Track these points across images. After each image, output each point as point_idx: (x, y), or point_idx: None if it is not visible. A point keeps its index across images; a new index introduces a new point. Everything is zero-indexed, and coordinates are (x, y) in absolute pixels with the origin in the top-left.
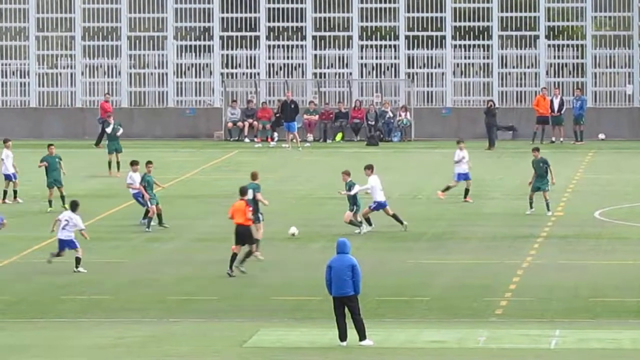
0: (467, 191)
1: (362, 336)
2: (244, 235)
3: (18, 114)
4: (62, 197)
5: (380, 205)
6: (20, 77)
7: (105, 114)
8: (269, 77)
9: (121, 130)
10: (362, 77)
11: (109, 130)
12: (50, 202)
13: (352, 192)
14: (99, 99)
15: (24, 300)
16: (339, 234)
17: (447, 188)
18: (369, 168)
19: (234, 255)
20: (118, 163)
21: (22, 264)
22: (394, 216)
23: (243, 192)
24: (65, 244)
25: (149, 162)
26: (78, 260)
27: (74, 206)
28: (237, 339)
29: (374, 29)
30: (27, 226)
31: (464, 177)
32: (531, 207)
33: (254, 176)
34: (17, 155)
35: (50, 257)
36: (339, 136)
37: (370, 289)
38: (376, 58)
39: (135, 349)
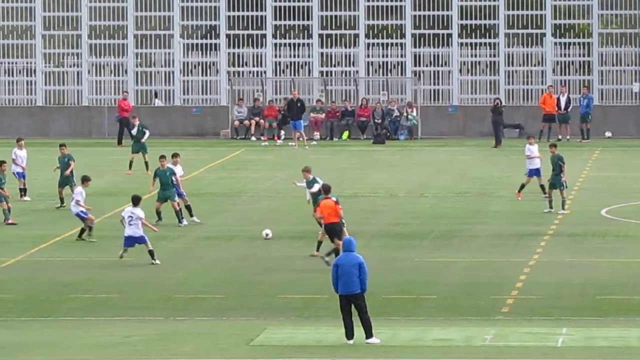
0: (542, 187)
1: (369, 334)
2: (334, 232)
3: (25, 113)
4: (61, 199)
5: None
6: (27, 76)
7: (127, 114)
8: (276, 75)
9: (147, 134)
10: (368, 75)
11: (134, 132)
12: (61, 199)
13: (314, 190)
14: (105, 98)
15: (31, 299)
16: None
17: (522, 187)
18: (308, 171)
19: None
20: (146, 163)
21: (29, 263)
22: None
23: (327, 190)
24: (135, 241)
25: (161, 157)
26: (152, 253)
27: (136, 201)
28: (244, 337)
29: (380, 27)
30: (33, 224)
31: (535, 172)
32: (550, 207)
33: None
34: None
35: (122, 253)
36: (345, 134)
37: (377, 287)
38: (383, 56)
39: (141, 347)
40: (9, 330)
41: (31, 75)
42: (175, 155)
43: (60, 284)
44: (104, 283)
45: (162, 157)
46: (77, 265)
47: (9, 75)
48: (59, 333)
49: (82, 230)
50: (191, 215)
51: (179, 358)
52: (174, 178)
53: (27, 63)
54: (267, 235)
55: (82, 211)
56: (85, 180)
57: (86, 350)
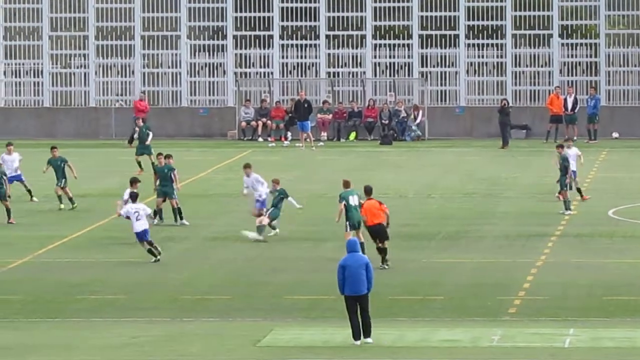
0: (578, 190)
1: (369, 333)
2: (379, 233)
3: (32, 114)
4: (70, 198)
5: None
6: (34, 77)
7: (144, 114)
8: (283, 76)
9: (151, 135)
10: (375, 76)
11: (135, 135)
12: (61, 198)
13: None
14: (112, 99)
15: (38, 300)
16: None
17: (578, 190)
18: (248, 167)
19: (380, 249)
20: (153, 164)
21: (36, 264)
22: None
23: (369, 191)
24: (145, 234)
25: (159, 154)
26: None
27: (135, 197)
28: (251, 338)
29: (387, 28)
30: (40, 226)
31: (573, 174)
32: (569, 208)
33: (347, 184)
34: (30, 154)
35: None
36: (352, 135)
37: (384, 287)
38: (390, 57)
39: (148, 348)
40: (17, 331)
41: (38, 77)
42: (168, 157)
43: (68, 285)
44: (111, 284)
45: (160, 154)
46: (84, 266)
47: (16, 77)
48: (66, 334)
49: None
50: (176, 219)
51: (185, 359)
52: (172, 175)
53: (34, 64)
54: (251, 237)
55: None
56: (134, 182)
57: (94, 351)
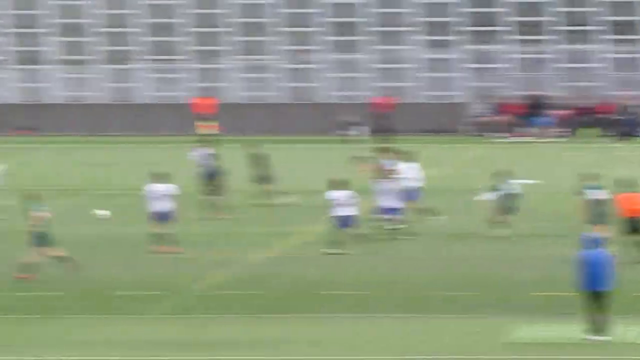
0: None
1: (604, 330)
2: (638, 225)
3: None
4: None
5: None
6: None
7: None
8: (518, 71)
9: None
10: (611, 71)
11: None
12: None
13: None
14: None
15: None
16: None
17: None
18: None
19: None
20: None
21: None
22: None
23: (628, 184)
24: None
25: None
26: None
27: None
28: (496, 335)
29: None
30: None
31: None
32: None
33: (590, 178)
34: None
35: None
36: (588, 131)
37: (627, 284)
38: (626, 53)
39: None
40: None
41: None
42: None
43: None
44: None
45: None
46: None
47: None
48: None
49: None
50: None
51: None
52: None
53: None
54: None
55: None
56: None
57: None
